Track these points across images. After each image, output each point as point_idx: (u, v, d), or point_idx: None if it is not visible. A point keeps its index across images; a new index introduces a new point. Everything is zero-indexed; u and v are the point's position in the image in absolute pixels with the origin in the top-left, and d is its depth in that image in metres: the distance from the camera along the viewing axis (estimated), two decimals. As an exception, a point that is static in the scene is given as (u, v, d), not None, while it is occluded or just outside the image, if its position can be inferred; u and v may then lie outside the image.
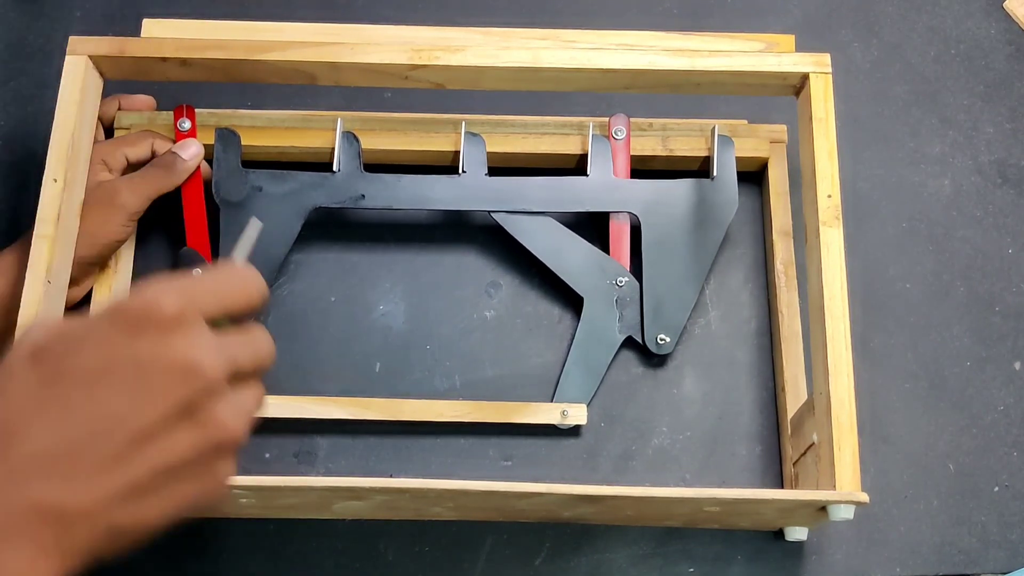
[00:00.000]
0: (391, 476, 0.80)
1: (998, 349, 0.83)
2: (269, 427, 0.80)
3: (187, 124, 0.84)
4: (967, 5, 0.95)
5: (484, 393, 0.82)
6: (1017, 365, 0.83)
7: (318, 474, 0.80)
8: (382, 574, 0.78)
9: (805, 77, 0.77)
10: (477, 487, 0.67)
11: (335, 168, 0.83)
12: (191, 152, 0.81)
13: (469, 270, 0.86)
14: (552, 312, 0.85)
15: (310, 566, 0.78)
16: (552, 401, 0.81)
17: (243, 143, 0.84)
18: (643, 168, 0.85)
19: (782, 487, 0.79)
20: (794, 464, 0.77)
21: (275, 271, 0.83)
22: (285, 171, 0.83)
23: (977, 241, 0.87)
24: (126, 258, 0.84)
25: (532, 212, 0.82)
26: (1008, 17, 0.95)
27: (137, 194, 0.78)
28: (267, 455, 0.81)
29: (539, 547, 0.78)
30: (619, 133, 0.84)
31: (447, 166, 0.86)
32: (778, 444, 0.81)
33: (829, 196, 0.74)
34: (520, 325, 0.84)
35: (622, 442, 0.81)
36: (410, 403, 0.80)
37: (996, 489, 0.80)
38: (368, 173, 0.83)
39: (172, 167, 0.80)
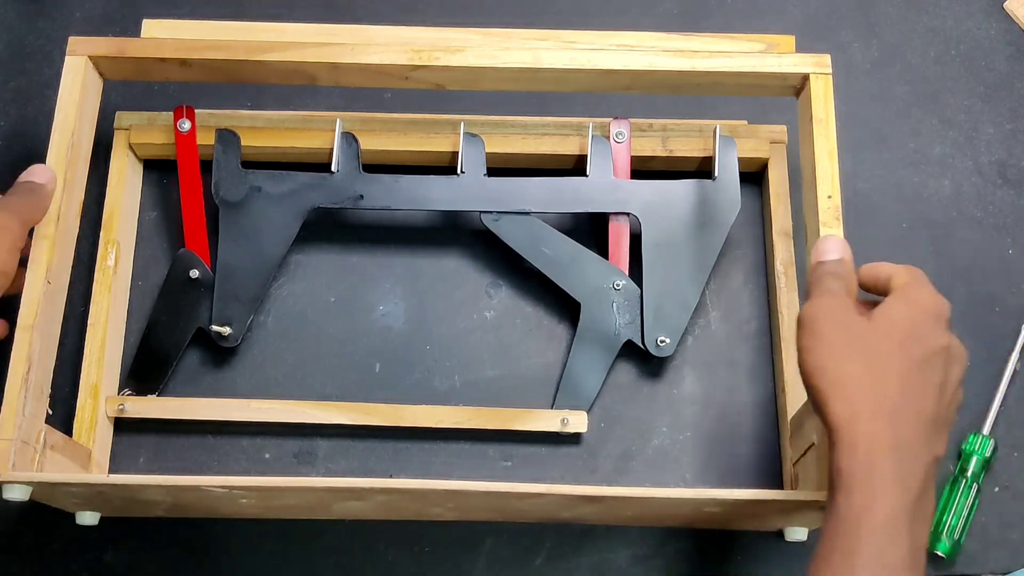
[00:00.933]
0: (391, 476, 0.80)
1: (998, 349, 0.83)
2: (269, 428, 0.80)
3: (187, 124, 0.84)
4: (967, 5, 0.95)
5: (484, 393, 0.82)
6: (1018, 365, 0.83)
7: (318, 474, 0.80)
8: (382, 574, 0.78)
9: (805, 78, 0.77)
10: (477, 487, 0.67)
11: (334, 169, 0.83)
12: (44, 176, 0.72)
13: (469, 270, 0.86)
14: (553, 312, 0.85)
15: (310, 566, 0.78)
16: (552, 407, 0.81)
17: (243, 143, 0.84)
18: (643, 169, 0.85)
19: (782, 487, 0.79)
20: (794, 464, 0.77)
21: (274, 271, 0.82)
22: (284, 171, 0.83)
23: (977, 241, 0.87)
24: (126, 259, 0.84)
25: (528, 213, 0.82)
26: (1008, 18, 0.95)
27: (16, 218, 0.71)
28: (267, 455, 0.81)
29: (539, 547, 0.78)
30: (620, 136, 0.84)
31: (446, 167, 0.86)
32: (778, 444, 0.81)
33: (829, 197, 0.74)
34: (520, 325, 0.84)
35: (622, 443, 0.81)
36: (410, 409, 0.80)
37: (996, 489, 0.80)
38: (367, 174, 0.83)
39: (34, 193, 0.72)
